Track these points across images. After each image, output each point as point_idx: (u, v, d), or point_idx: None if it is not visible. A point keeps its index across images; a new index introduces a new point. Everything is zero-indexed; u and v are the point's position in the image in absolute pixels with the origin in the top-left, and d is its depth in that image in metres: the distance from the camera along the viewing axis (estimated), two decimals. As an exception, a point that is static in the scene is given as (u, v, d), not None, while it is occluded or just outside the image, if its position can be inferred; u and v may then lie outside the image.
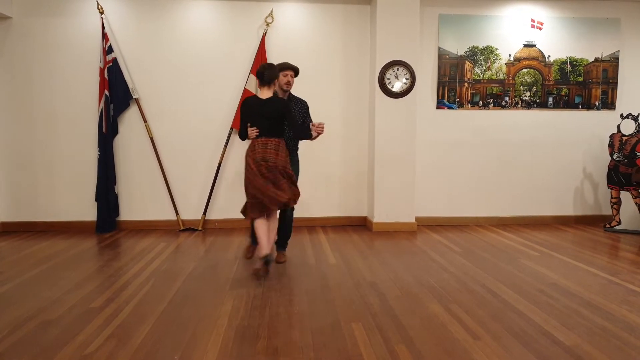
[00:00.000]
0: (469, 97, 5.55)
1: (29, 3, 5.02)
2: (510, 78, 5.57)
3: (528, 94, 5.61)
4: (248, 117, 3.57)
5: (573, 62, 5.61)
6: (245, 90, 5.10)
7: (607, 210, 5.67)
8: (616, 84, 5.66)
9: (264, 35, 5.17)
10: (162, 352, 2.35)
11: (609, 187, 5.33)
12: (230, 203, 5.21)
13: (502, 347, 2.40)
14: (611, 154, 5.27)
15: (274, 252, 3.91)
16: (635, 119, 5.16)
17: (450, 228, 5.39)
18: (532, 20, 5.53)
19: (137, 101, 5.16)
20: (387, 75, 5.14)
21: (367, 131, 5.48)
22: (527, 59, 5.56)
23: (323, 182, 5.47)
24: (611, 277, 3.56)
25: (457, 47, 5.47)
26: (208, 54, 5.23)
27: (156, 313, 2.83)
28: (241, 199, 3.66)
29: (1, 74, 5.07)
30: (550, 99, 5.64)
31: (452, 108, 5.54)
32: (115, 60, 5.04)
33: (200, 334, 2.55)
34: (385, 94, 5.15)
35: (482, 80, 5.54)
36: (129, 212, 5.28)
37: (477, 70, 5.52)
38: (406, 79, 5.16)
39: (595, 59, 5.62)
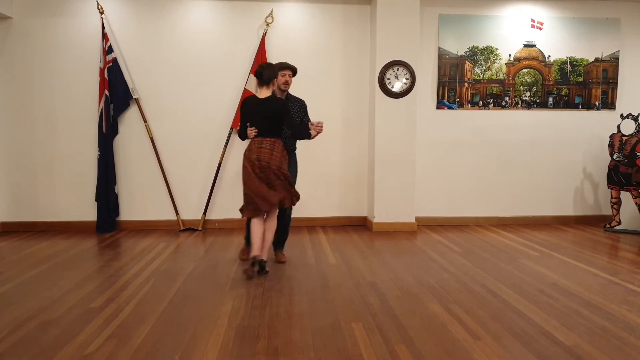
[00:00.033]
0: (469, 97, 5.55)
1: (29, 3, 5.02)
2: (510, 78, 5.57)
3: (528, 94, 5.61)
4: (247, 116, 3.59)
5: (573, 62, 5.61)
6: (245, 90, 5.10)
7: (607, 210, 5.67)
8: (616, 84, 5.66)
9: (264, 35, 5.17)
10: (162, 352, 2.34)
11: (609, 187, 5.33)
12: (230, 203, 5.21)
13: (502, 347, 2.40)
14: (611, 154, 5.27)
15: (271, 253, 3.91)
16: (635, 119, 5.16)
17: (450, 228, 5.39)
18: (532, 20, 5.53)
19: (137, 101, 5.16)
20: (387, 75, 5.14)
21: (367, 131, 5.48)
22: (527, 59, 5.56)
23: (323, 182, 5.48)
24: (611, 277, 3.56)
25: (457, 47, 5.47)
26: (208, 54, 5.23)
27: (156, 313, 2.83)
28: (241, 199, 3.66)
29: (1, 74, 5.07)
30: (551, 99, 5.64)
31: (452, 108, 5.54)
32: (115, 60, 5.04)
33: (201, 334, 2.55)
34: (385, 94, 5.15)
35: (482, 80, 5.54)
36: (129, 212, 5.28)
37: (477, 70, 5.52)
38: (406, 79, 5.16)
39: (596, 59, 5.62)
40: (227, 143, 5.25)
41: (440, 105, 5.53)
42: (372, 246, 4.56)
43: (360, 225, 5.53)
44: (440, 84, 5.50)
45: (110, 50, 5.02)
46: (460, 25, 5.45)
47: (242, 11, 5.22)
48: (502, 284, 3.38)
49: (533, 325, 2.66)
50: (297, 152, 4.01)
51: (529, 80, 5.59)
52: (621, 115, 5.29)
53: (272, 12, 5.19)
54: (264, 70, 3.51)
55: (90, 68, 5.09)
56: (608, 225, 5.32)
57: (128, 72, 5.15)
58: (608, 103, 5.68)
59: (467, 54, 5.49)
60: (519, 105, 5.62)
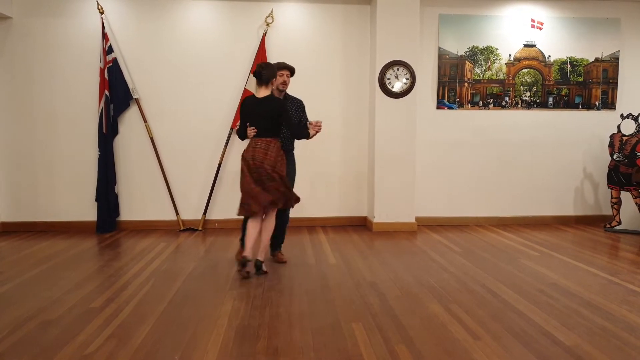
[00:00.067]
0: (469, 97, 5.55)
1: (29, 3, 5.02)
2: (511, 78, 5.57)
3: (528, 94, 5.61)
4: (246, 116, 3.60)
5: (573, 62, 5.61)
6: (245, 90, 5.11)
7: (608, 210, 5.67)
8: (616, 84, 5.66)
9: (264, 36, 5.17)
10: (162, 352, 2.34)
11: (609, 187, 5.33)
12: (230, 203, 5.18)
13: (502, 347, 2.40)
14: (611, 154, 5.27)
15: (267, 254, 3.91)
16: (635, 119, 5.16)
17: (450, 228, 5.39)
18: (532, 20, 5.52)
19: (137, 101, 5.16)
20: (387, 75, 5.14)
21: (367, 131, 5.48)
22: (527, 59, 5.56)
23: (323, 182, 5.47)
24: (611, 277, 3.56)
25: (457, 47, 5.47)
26: (208, 54, 5.23)
27: (156, 313, 2.83)
28: (241, 199, 3.67)
29: (1, 74, 5.07)
30: (551, 99, 5.64)
31: (452, 108, 5.54)
32: (115, 60, 5.04)
33: (201, 334, 2.55)
34: (385, 94, 5.15)
35: (482, 80, 5.54)
36: (129, 212, 5.28)
37: (477, 70, 5.52)
38: (406, 79, 5.16)
39: (596, 59, 5.62)
40: (227, 143, 5.25)
41: (440, 105, 5.52)
42: (372, 246, 4.56)
43: (360, 225, 5.53)
44: (441, 84, 5.50)
45: (110, 50, 5.02)
46: (460, 25, 5.45)
47: (242, 11, 5.22)
48: (502, 284, 3.38)
49: (533, 325, 2.66)
50: (296, 152, 4.00)
51: (529, 80, 5.59)
52: (621, 115, 5.29)
53: (272, 12, 5.19)
54: (263, 70, 3.51)
55: (90, 68, 5.09)
56: (608, 225, 5.32)
57: (128, 72, 5.15)
58: (608, 103, 5.68)
59: (467, 54, 5.49)
60: (519, 105, 5.61)
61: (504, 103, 5.59)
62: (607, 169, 5.36)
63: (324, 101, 5.31)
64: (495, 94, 5.58)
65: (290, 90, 3.89)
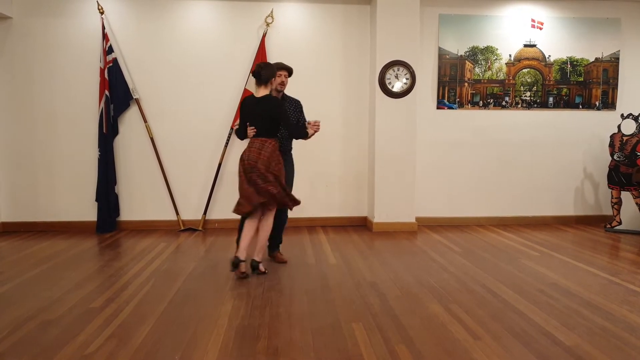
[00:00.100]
0: (469, 97, 5.55)
1: (29, 3, 5.02)
2: (511, 78, 5.57)
3: (528, 94, 5.61)
4: (245, 116, 3.60)
5: (573, 62, 5.61)
6: (245, 90, 5.11)
7: (608, 211, 5.66)
8: (616, 84, 5.66)
9: (264, 36, 5.17)
10: (162, 352, 2.34)
11: (609, 187, 5.33)
12: (230, 203, 5.11)
13: (502, 347, 2.40)
14: (612, 154, 5.27)
15: (266, 254, 3.90)
16: (635, 119, 5.16)
17: (450, 228, 5.39)
18: (532, 20, 5.52)
19: (137, 101, 5.16)
20: (387, 75, 5.14)
21: (367, 131, 5.48)
22: (527, 59, 5.56)
23: (323, 182, 5.47)
24: (611, 277, 3.56)
25: (457, 47, 5.47)
26: (208, 54, 5.23)
27: (156, 313, 2.83)
28: (241, 199, 3.67)
29: (1, 74, 5.07)
30: (551, 99, 5.64)
31: (452, 108, 5.54)
32: (115, 60, 5.04)
33: (201, 333, 2.55)
34: (385, 94, 5.15)
35: (482, 80, 5.54)
36: (129, 212, 5.28)
37: (477, 70, 5.52)
38: (406, 79, 5.16)
39: (596, 59, 5.62)
40: (227, 143, 5.25)
41: (440, 105, 5.52)
42: (372, 246, 4.56)
43: (361, 225, 5.53)
44: (441, 84, 5.50)
45: (110, 50, 5.02)
46: (461, 25, 5.45)
47: (242, 11, 5.22)
48: (502, 284, 3.38)
49: (533, 325, 2.66)
50: (296, 152, 4.00)
51: (529, 80, 5.59)
52: (621, 115, 5.29)
53: (272, 12, 5.19)
54: (262, 70, 3.51)
55: (90, 68, 5.09)
56: (608, 226, 5.32)
57: (128, 72, 5.15)
58: (608, 103, 5.68)
59: (467, 54, 5.49)
60: (519, 105, 5.61)
61: (504, 103, 5.59)
62: (607, 169, 5.36)
63: (324, 101, 5.31)
64: (496, 94, 5.58)
65: (290, 90, 3.89)
